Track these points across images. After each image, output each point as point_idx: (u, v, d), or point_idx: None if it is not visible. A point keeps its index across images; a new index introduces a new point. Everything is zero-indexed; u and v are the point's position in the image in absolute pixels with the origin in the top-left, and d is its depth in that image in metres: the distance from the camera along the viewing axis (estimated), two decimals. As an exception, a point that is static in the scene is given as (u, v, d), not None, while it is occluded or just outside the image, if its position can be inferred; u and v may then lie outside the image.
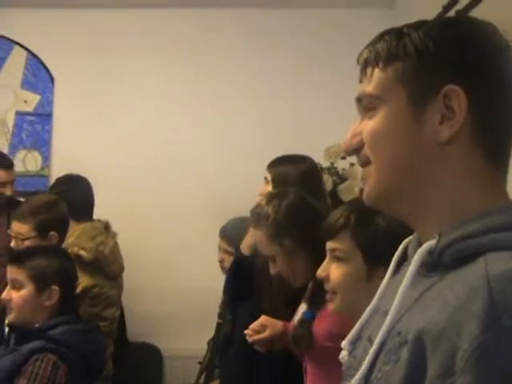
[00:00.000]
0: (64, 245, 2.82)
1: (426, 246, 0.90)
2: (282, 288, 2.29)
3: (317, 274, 1.62)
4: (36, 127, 4.36)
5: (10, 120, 4.37)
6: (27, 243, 2.51)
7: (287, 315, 2.21)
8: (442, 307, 0.81)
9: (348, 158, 3.94)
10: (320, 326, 1.94)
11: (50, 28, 4.37)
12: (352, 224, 1.55)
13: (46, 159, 4.34)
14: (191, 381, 3.97)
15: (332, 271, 1.58)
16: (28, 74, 4.38)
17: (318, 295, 1.98)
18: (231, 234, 3.18)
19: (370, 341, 0.96)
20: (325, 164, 3.81)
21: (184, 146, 4.30)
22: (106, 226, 3.30)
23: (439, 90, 0.90)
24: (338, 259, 1.57)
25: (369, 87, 0.97)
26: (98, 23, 4.36)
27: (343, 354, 1.08)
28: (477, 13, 2.57)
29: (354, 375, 0.95)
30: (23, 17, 4.38)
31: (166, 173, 4.27)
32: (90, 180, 3.49)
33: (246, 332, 2.22)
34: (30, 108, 4.38)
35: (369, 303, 1.52)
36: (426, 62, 0.92)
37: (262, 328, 2.19)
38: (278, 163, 2.61)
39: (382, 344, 0.90)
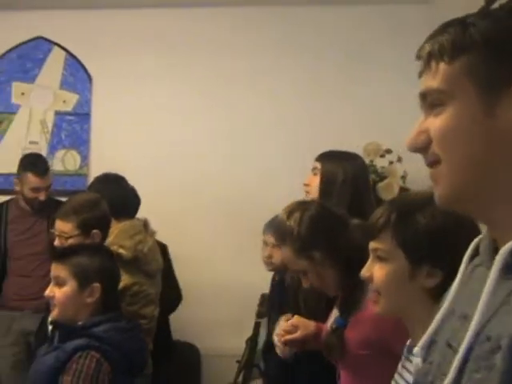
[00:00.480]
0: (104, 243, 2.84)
1: (508, 246, 0.85)
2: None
3: (361, 275, 1.59)
4: (75, 127, 4.40)
5: (50, 120, 4.41)
6: (71, 241, 2.52)
7: (322, 316, 2.19)
8: None
9: (387, 155, 3.91)
10: (353, 333, 1.92)
11: (88, 28, 4.40)
12: (393, 223, 1.52)
13: (85, 158, 4.38)
14: (229, 379, 3.96)
15: (375, 271, 1.55)
16: (67, 74, 4.42)
17: (349, 302, 1.97)
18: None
19: (450, 346, 0.92)
20: (363, 162, 3.78)
21: (222, 146, 4.32)
22: (145, 225, 3.31)
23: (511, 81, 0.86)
24: (380, 259, 1.54)
25: (434, 82, 0.92)
26: (135, 23, 4.38)
27: (416, 361, 1.03)
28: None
29: (432, 382, 0.91)
30: (62, 18, 4.42)
31: (204, 171, 4.28)
32: (128, 179, 3.51)
33: (277, 332, 2.20)
34: (68, 108, 4.42)
35: (412, 303, 1.50)
36: (496, 53, 0.87)
37: (293, 328, 2.17)
38: (329, 157, 2.58)
39: (469, 350, 0.86)
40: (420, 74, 0.96)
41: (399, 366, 1.55)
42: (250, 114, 4.35)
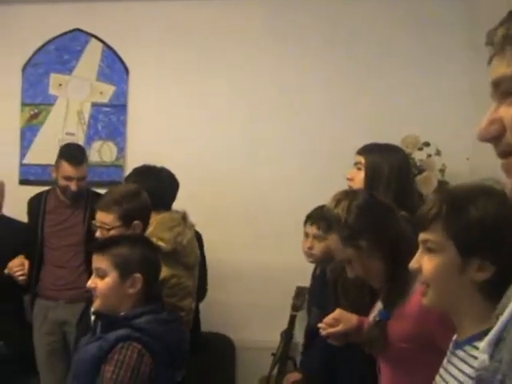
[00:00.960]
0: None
1: None
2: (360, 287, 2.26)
3: (409, 266, 1.56)
4: (111, 118, 4.42)
5: (86, 111, 4.44)
6: (112, 232, 2.52)
7: (365, 310, 2.17)
8: None
9: (425, 148, 3.86)
10: (396, 327, 1.90)
11: (125, 20, 4.41)
12: (444, 214, 1.49)
13: (121, 150, 4.40)
14: (264, 372, 3.96)
15: (424, 263, 1.52)
16: (103, 65, 4.44)
17: (393, 294, 1.95)
18: (321, 219, 3.14)
19: None
20: (401, 155, 3.74)
21: (259, 138, 4.30)
22: (184, 217, 3.31)
23: None
24: (430, 251, 1.52)
25: (510, 69, 0.87)
26: (172, 14, 4.38)
27: (482, 357, 1.00)
28: None
29: (503, 382, 0.89)
30: (99, 10, 4.45)
31: (240, 162, 4.29)
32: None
33: (319, 325, 2.19)
34: (105, 99, 4.44)
35: (461, 296, 1.47)
36: None
37: (335, 322, 2.16)
38: (372, 150, 2.56)
39: None
40: (490, 60, 0.92)
41: (444, 360, 1.53)
42: (283, 107, 4.33)
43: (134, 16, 4.41)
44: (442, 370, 1.53)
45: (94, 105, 4.44)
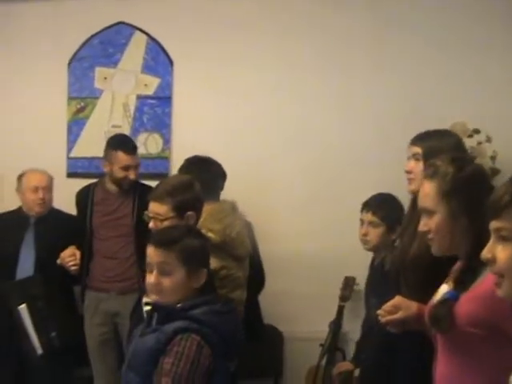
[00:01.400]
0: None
1: None
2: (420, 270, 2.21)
3: (481, 256, 1.51)
4: (156, 110, 4.42)
5: (132, 104, 4.45)
6: (166, 223, 2.51)
7: (424, 297, 2.13)
8: None
9: (475, 136, 3.80)
10: (464, 309, 1.83)
11: (169, 12, 4.40)
12: (517, 201, 1.44)
13: (167, 141, 4.40)
14: (312, 363, 3.96)
15: (498, 253, 1.46)
16: (148, 58, 4.45)
17: (468, 274, 1.88)
18: (377, 206, 3.12)
19: None
20: (450, 142, 3.68)
21: (307, 128, 4.27)
22: (234, 208, 3.31)
23: None
24: (504, 239, 1.46)
25: None
26: (216, 5, 4.36)
27: None
28: None
29: None
30: (142, 2, 4.45)
31: (287, 152, 4.27)
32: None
33: (378, 312, 2.15)
34: (150, 91, 4.44)
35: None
36: None
37: (394, 309, 2.12)
38: (427, 138, 2.49)
39: None
40: None
41: None
42: (332, 100, 4.29)
43: (177, 7, 4.40)
44: None
45: (139, 97, 4.45)
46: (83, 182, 4.15)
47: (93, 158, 4.39)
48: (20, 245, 3.76)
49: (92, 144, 4.42)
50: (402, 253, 2.37)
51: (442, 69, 4.13)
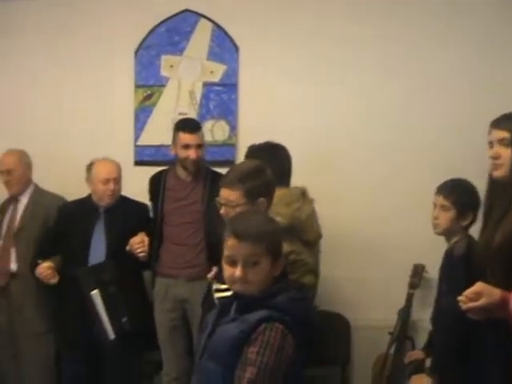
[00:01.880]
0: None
1: None
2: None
3: None
4: (223, 97, 4.42)
5: (198, 91, 4.46)
6: (237, 210, 2.49)
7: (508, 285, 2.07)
8: None
9: None
10: None
11: (233, -1, 4.40)
12: None
13: (233, 128, 4.40)
14: (381, 352, 3.91)
15: None
16: (213, 45, 4.45)
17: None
18: (450, 190, 3.05)
19: None
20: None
21: (373, 112, 4.22)
22: (303, 193, 3.29)
23: None
24: None
25: None
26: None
27: None
28: None
29: None
30: (207, -11, 4.46)
31: (355, 136, 4.22)
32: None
33: (459, 298, 2.10)
34: (216, 78, 4.44)
35: None
36: None
37: (476, 296, 2.06)
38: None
39: None
40: None
41: None
42: (396, 82, 4.22)
43: (242, -6, 4.39)
44: None
45: (205, 84, 4.46)
46: (150, 170, 4.18)
47: (160, 146, 4.42)
48: (91, 233, 3.81)
49: (159, 132, 4.44)
50: (486, 241, 2.30)
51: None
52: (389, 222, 4.10)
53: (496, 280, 2.13)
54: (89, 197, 3.94)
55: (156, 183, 3.89)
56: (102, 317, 3.55)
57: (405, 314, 3.91)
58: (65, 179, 4.38)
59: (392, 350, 3.88)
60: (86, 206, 3.91)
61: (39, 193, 4.20)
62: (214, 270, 2.83)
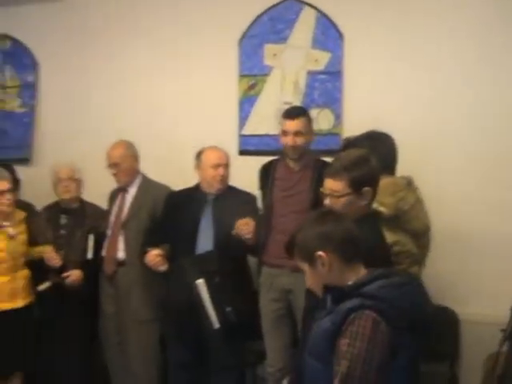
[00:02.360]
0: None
1: None
2: None
3: None
4: (327, 85, 4.36)
5: (302, 80, 4.42)
6: (342, 200, 2.45)
7: None
8: None
9: None
10: None
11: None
12: None
13: (338, 117, 4.33)
14: (492, 349, 3.75)
15: None
16: (318, 32, 4.39)
17: None
18: None
19: None
20: None
21: (488, 99, 4.03)
22: (409, 182, 3.20)
23: None
24: None
25: None
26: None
27: None
28: None
29: None
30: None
31: (469, 123, 4.05)
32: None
33: None
34: (320, 67, 4.38)
35: None
36: None
37: None
38: None
39: None
40: None
41: None
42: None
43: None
44: None
45: (309, 73, 4.41)
46: (254, 160, 4.18)
47: (264, 136, 4.42)
48: (199, 221, 3.84)
49: (263, 121, 4.45)
50: None
51: None
52: (500, 213, 3.92)
53: None
54: (197, 186, 3.98)
55: (266, 172, 3.86)
56: (207, 306, 3.58)
57: (518, 310, 3.73)
58: (171, 169, 4.46)
59: (504, 348, 3.71)
60: (194, 194, 3.95)
61: (147, 183, 4.28)
62: None
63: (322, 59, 4.37)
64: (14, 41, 5.33)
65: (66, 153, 4.76)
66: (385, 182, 2.93)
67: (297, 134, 3.66)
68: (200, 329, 3.69)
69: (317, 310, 2.28)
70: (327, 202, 2.52)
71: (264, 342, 3.81)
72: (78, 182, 4.31)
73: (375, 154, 2.70)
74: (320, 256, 2.10)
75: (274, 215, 3.73)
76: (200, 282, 3.58)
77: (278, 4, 4.50)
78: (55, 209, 4.34)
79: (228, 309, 3.59)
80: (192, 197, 3.94)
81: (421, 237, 3.21)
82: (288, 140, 3.67)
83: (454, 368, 4.03)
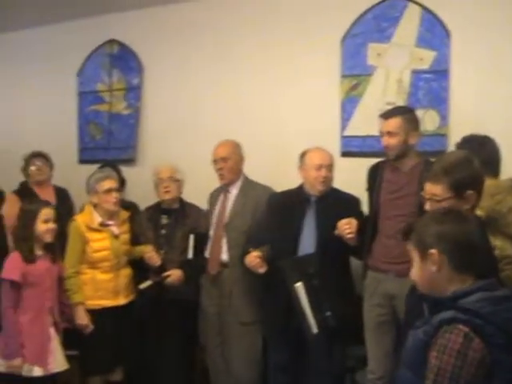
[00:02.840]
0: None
1: None
2: None
3: None
4: (432, 85, 4.22)
5: (406, 79, 4.30)
6: (443, 204, 2.35)
7: None
8: None
9: None
10: None
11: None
12: None
13: (444, 118, 4.17)
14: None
15: None
16: (423, 30, 4.25)
17: None
18: None
19: None
20: None
21: None
22: (512, 185, 3.06)
23: None
24: None
25: None
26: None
27: None
28: None
29: None
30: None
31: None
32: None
33: None
34: (425, 65, 4.25)
35: None
36: None
37: None
38: None
39: None
40: None
41: None
42: None
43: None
44: None
45: (413, 72, 4.29)
46: (356, 161, 4.11)
47: (366, 137, 4.33)
48: (302, 223, 3.80)
49: (365, 122, 4.36)
50: None
51: None
52: None
53: None
54: (300, 187, 3.94)
55: (374, 174, 3.76)
56: (306, 310, 3.52)
57: None
58: (275, 171, 4.47)
59: None
60: (296, 195, 3.91)
61: (249, 184, 4.28)
62: None
63: (428, 58, 4.23)
64: (122, 45, 5.50)
65: (170, 154, 4.85)
66: (487, 184, 2.80)
67: (389, 134, 3.55)
68: (300, 332, 3.65)
69: (417, 317, 2.21)
70: (427, 206, 2.43)
71: (366, 348, 3.73)
72: (179, 183, 4.38)
73: (477, 156, 2.58)
74: (432, 254, 2.03)
75: (380, 218, 3.64)
76: (298, 285, 3.53)
77: (381, 1, 4.40)
78: (156, 209, 4.42)
79: (328, 313, 3.51)
80: (294, 198, 3.90)
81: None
82: (383, 141, 3.58)
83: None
